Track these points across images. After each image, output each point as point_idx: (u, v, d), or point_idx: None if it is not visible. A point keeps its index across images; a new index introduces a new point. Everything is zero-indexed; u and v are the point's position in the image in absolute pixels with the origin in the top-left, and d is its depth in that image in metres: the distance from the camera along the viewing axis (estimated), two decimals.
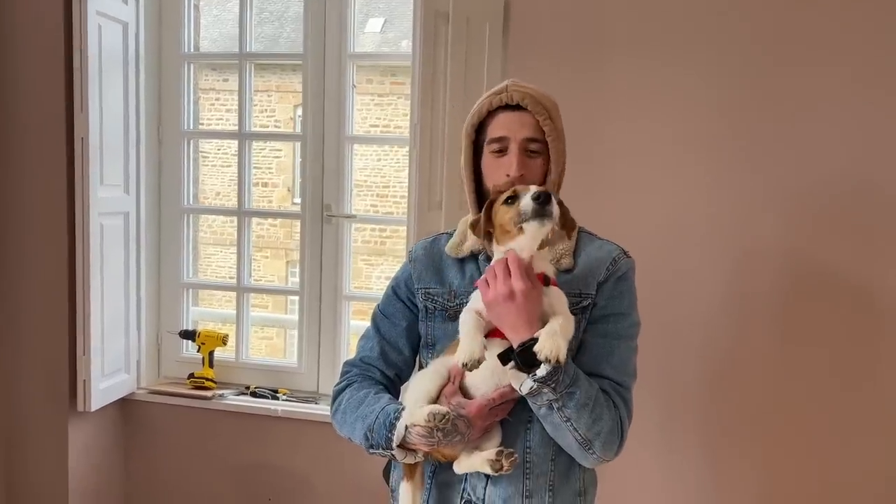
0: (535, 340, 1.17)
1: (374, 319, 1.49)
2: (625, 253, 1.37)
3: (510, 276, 1.20)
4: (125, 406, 2.67)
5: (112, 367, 2.52)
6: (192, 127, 2.74)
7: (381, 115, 8.89)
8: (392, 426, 1.27)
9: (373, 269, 8.88)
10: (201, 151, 8.85)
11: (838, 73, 2.00)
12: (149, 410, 2.66)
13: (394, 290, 1.47)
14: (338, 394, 1.44)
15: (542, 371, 1.17)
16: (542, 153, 1.34)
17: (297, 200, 2.64)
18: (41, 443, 2.51)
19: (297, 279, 2.66)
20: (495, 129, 1.34)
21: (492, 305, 1.21)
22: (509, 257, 1.22)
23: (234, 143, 2.69)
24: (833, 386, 2.09)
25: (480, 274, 1.34)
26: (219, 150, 8.99)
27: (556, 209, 1.19)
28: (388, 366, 1.44)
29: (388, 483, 1.50)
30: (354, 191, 2.66)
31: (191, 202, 2.77)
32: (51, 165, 2.39)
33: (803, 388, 2.11)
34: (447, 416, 1.19)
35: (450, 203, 2.18)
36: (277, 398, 2.60)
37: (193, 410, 2.61)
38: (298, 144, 2.60)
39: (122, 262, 2.54)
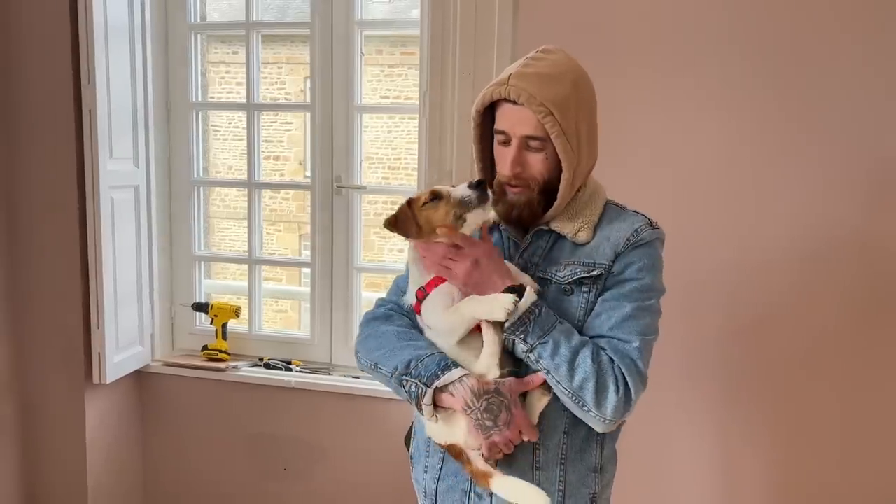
0: (522, 287, 1.23)
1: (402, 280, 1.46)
2: (650, 224, 1.34)
3: (463, 251, 1.24)
4: (140, 378, 2.69)
5: (126, 340, 2.54)
6: (200, 98, 2.72)
7: (391, 87, 8.80)
8: (447, 367, 1.22)
9: (385, 241, 8.86)
10: (213, 125, 8.85)
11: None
12: (163, 382, 2.68)
13: None
14: (372, 319, 1.41)
15: (507, 322, 1.21)
16: (545, 148, 1.28)
17: (309, 174, 2.61)
18: (58, 416, 2.53)
19: (309, 252, 2.65)
20: (498, 120, 1.31)
21: (467, 282, 1.25)
22: (449, 238, 1.25)
23: (245, 117, 2.66)
24: (862, 350, 2.07)
25: (504, 241, 1.37)
26: (230, 123, 8.97)
27: (490, 193, 1.23)
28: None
29: (408, 450, 1.50)
30: (365, 163, 2.64)
31: (200, 175, 2.76)
32: (59, 139, 2.38)
33: (830, 349, 2.08)
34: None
35: (460, 173, 2.16)
36: (291, 370, 2.61)
37: (208, 382, 2.63)
38: (309, 117, 2.56)
39: (133, 235, 2.54)
